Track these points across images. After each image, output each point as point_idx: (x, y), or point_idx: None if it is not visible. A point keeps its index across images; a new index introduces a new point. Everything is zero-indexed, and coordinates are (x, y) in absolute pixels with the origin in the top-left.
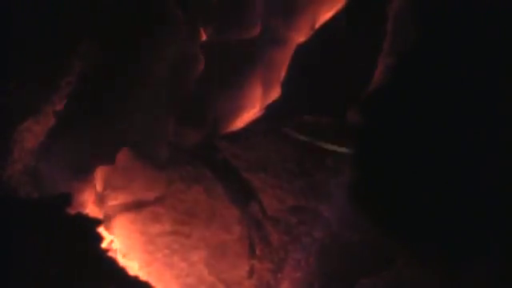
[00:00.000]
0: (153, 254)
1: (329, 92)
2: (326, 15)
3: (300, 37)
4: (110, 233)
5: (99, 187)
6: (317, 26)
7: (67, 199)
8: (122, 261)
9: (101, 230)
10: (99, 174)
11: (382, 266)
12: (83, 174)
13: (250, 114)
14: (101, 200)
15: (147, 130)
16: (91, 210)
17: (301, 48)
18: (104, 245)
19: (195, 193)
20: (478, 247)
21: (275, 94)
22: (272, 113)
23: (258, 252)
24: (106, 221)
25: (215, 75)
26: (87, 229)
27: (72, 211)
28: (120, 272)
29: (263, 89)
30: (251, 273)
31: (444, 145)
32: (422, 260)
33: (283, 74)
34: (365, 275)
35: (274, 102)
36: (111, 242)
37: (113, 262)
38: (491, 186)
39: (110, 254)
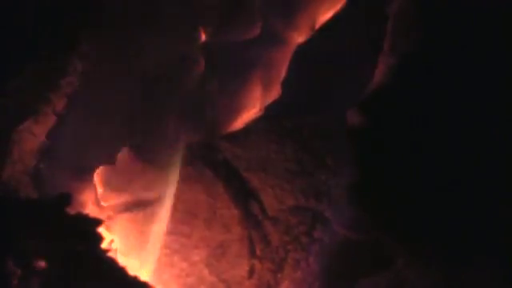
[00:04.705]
0: (153, 253)
1: (329, 92)
2: (326, 15)
3: (300, 37)
4: (110, 233)
5: (99, 187)
6: (317, 26)
7: (67, 199)
8: (121, 261)
9: (101, 230)
10: (99, 174)
11: (382, 266)
12: (83, 173)
13: (250, 114)
14: (101, 200)
15: (147, 130)
16: (91, 210)
17: (301, 48)
18: (104, 245)
19: (195, 193)
20: (477, 247)
21: (275, 93)
22: (272, 113)
23: (258, 252)
24: (106, 221)
25: (215, 75)
26: (87, 229)
27: (72, 211)
28: (120, 272)
29: (263, 89)
30: (251, 273)
31: (444, 145)
32: (422, 260)
33: (283, 74)
34: (365, 275)
35: (274, 102)
36: (111, 241)
37: (113, 262)
38: (491, 185)
39: (110, 254)
